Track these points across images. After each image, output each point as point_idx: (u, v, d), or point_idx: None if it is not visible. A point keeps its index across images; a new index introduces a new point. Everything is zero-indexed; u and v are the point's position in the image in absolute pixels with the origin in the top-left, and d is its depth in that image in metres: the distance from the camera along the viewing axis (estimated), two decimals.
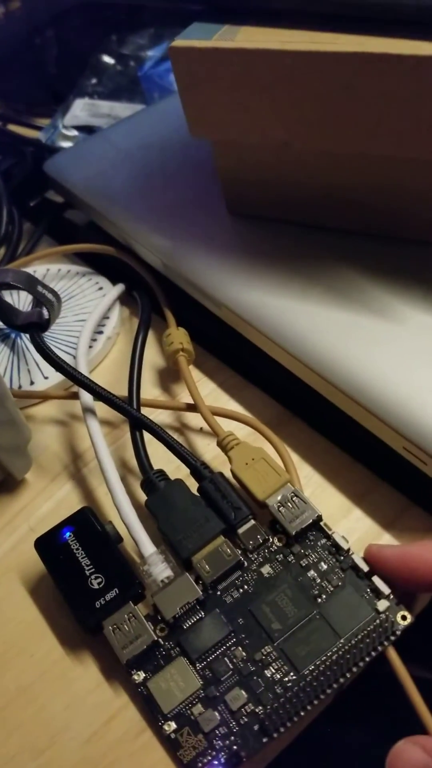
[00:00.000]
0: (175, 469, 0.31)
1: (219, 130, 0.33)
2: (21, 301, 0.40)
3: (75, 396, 0.34)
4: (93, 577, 0.27)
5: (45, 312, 0.32)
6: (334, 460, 0.31)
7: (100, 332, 0.38)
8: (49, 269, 0.42)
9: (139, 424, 0.31)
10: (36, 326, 0.32)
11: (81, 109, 0.51)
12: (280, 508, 0.27)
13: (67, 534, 0.28)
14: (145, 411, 0.33)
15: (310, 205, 0.34)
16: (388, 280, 0.32)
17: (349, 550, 0.26)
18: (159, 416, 0.35)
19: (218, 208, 0.38)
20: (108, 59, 0.54)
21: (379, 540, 0.28)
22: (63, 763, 0.25)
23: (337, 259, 0.33)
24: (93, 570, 0.27)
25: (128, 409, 0.31)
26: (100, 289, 0.40)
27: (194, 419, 0.35)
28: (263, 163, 0.34)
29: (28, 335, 0.37)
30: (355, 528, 0.29)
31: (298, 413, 0.33)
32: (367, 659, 0.24)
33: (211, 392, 0.35)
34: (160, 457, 0.31)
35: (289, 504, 0.27)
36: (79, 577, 0.27)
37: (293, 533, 0.27)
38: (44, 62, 0.56)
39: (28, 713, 0.27)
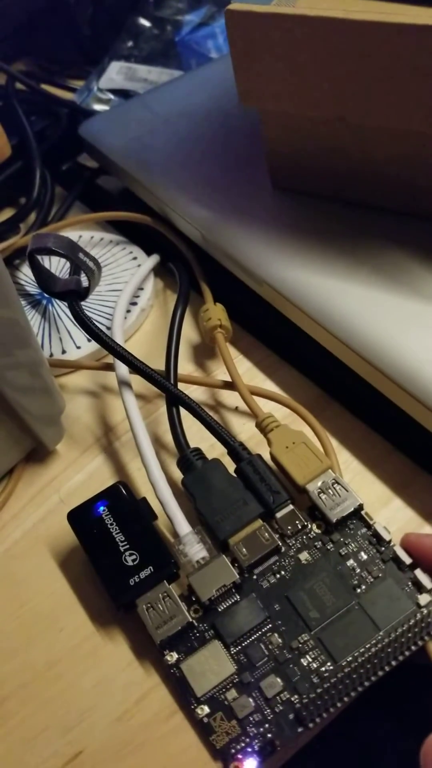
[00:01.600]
0: (208, 447, 0.30)
1: (271, 100, 0.32)
2: (53, 266, 0.39)
3: (108, 367, 0.34)
4: (127, 553, 0.26)
5: (83, 280, 0.31)
6: (373, 447, 0.31)
7: (134, 303, 0.37)
8: (82, 236, 0.41)
9: (176, 401, 0.30)
10: (74, 294, 0.31)
11: (117, 72, 0.50)
12: (321, 495, 0.27)
13: (101, 508, 0.28)
14: (179, 386, 0.32)
15: (360, 182, 0.33)
16: None
17: (390, 541, 0.26)
18: (192, 393, 0.34)
19: (261, 181, 0.37)
20: (144, 22, 0.52)
21: (420, 531, 0.28)
22: (92, 741, 0.25)
23: (386, 239, 0.32)
24: (127, 546, 0.27)
25: (166, 385, 0.30)
26: (134, 259, 0.40)
27: (228, 398, 0.34)
28: (314, 136, 0.33)
29: (62, 302, 0.36)
30: (395, 518, 0.28)
31: (336, 397, 0.33)
32: (407, 653, 0.23)
33: (246, 371, 0.35)
34: (193, 435, 0.30)
35: (330, 491, 0.27)
36: (113, 552, 0.27)
37: (334, 521, 0.26)
38: (77, 22, 0.55)
39: (57, 689, 0.26)
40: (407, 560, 0.25)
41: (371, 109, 0.29)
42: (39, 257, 0.31)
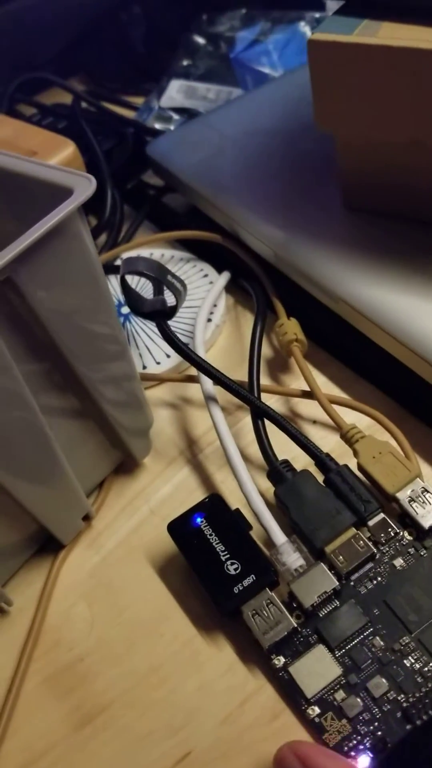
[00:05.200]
0: (290, 459, 0.32)
1: (348, 126, 0.33)
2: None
3: (190, 379, 0.35)
4: (229, 562, 0.28)
5: (169, 300, 0.33)
6: None
7: (209, 320, 0.38)
8: (153, 254, 0.43)
9: (262, 414, 0.32)
10: (161, 314, 0.33)
11: (177, 91, 0.51)
12: (411, 503, 0.28)
13: (199, 519, 0.29)
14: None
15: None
16: None
17: None
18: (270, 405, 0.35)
19: (331, 200, 0.38)
20: (199, 39, 0.54)
21: None
22: (200, 742, 0.26)
23: None
24: (228, 556, 0.28)
25: (251, 399, 0.32)
26: (205, 276, 0.41)
27: (305, 410, 0.35)
28: (390, 158, 0.34)
29: (141, 320, 0.38)
30: None
31: (414, 411, 0.34)
32: None
33: (321, 385, 0.36)
34: (279, 449, 0.32)
35: (420, 498, 0.28)
36: (214, 562, 0.28)
37: (426, 527, 0.27)
38: (131, 40, 0.56)
39: (161, 693, 0.28)
40: None
41: None
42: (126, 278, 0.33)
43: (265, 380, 0.37)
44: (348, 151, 0.35)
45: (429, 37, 0.29)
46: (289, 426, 0.31)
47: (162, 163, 0.43)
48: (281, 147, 0.42)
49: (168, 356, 0.37)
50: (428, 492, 0.28)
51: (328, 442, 0.33)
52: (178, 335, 0.37)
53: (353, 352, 0.36)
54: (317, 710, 0.25)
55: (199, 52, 0.53)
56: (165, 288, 0.33)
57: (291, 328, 0.36)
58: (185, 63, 0.53)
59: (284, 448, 0.32)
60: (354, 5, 0.32)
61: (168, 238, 0.42)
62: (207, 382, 0.33)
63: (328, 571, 0.27)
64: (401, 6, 0.30)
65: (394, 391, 0.35)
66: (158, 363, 0.37)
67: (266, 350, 0.38)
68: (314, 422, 0.35)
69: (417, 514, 0.28)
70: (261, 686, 0.27)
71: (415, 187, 0.34)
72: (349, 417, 0.33)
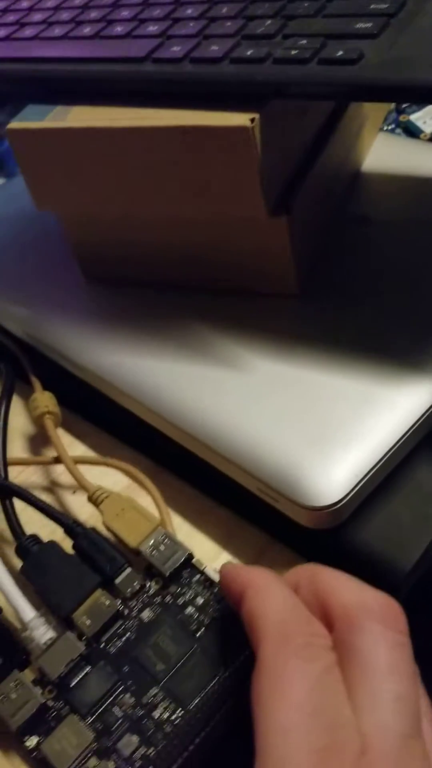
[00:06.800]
0: (54, 530, 0.31)
1: (62, 204, 0.35)
2: None
3: None
4: None
5: None
6: (201, 506, 0.33)
7: None
8: None
9: (7, 492, 0.31)
10: None
11: None
12: (153, 552, 0.28)
13: None
14: (15, 470, 0.34)
15: (156, 265, 0.36)
16: (235, 332, 0.34)
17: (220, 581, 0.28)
18: (33, 479, 0.36)
19: (76, 274, 0.39)
20: None
21: None
22: None
23: (188, 316, 0.35)
24: None
25: None
26: None
27: (68, 480, 0.35)
28: (108, 231, 0.36)
29: None
30: None
31: (166, 466, 0.35)
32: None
33: (83, 454, 0.36)
34: (38, 521, 0.31)
35: (161, 547, 0.29)
36: None
37: (167, 574, 0.28)
38: None
39: None
40: None
41: (148, 203, 0.32)
42: None
43: (24, 453, 0.37)
44: (71, 227, 0.37)
45: (111, 116, 0.30)
46: (33, 498, 0.31)
47: None
48: (30, 229, 0.43)
49: None
50: (168, 539, 0.29)
51: (89, 508, 0.33)
52: None
53: (108, 418, 0.37)
54: None
55: None
56: None
57: (43, 401, 0.36)
58: None
59: (47, 521, 0.31)
60: (48, 93, 0.33)
61: None
62: None
63: (75, 638, 0.27)
64: (87, 90, 0.32)
65: (147, 449, 0.36)
66: None
67: (30, 428, 0.38)
68: (74, 492, 0.35)
69: (158, 562, 0.28)
70: None
71: (137, 256, 0.36)
72: (108, 479, 0.33)
